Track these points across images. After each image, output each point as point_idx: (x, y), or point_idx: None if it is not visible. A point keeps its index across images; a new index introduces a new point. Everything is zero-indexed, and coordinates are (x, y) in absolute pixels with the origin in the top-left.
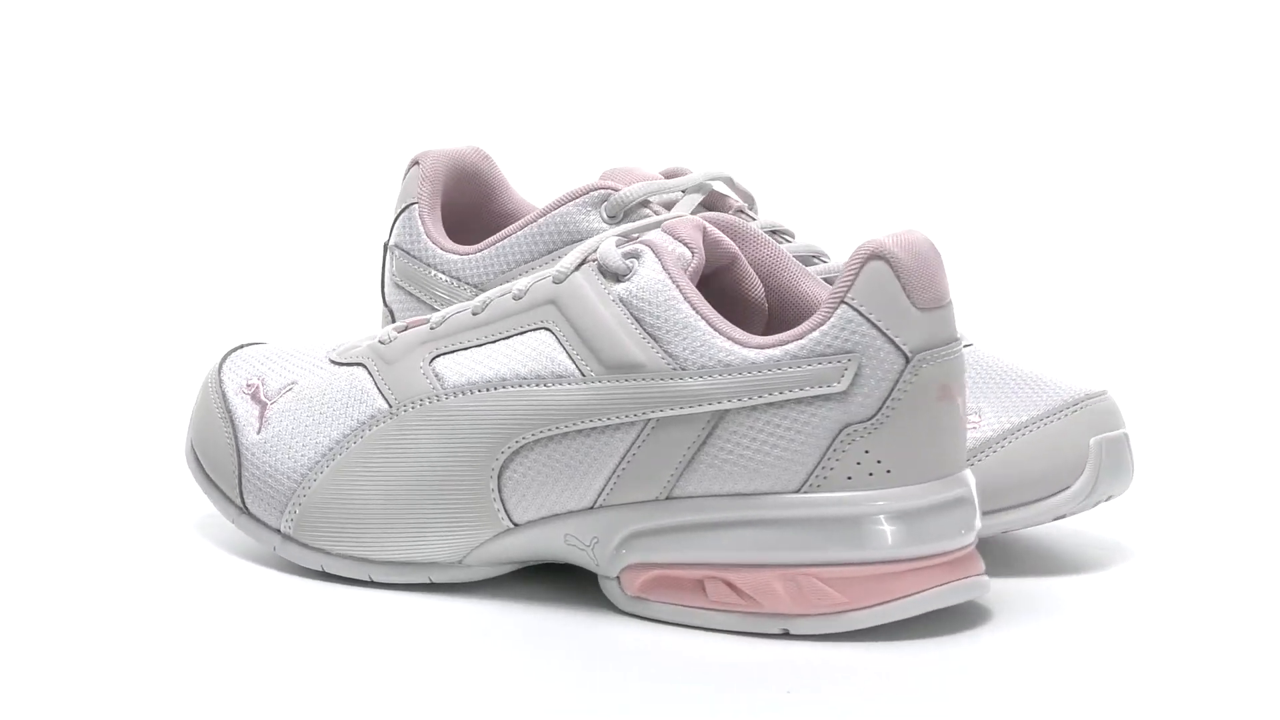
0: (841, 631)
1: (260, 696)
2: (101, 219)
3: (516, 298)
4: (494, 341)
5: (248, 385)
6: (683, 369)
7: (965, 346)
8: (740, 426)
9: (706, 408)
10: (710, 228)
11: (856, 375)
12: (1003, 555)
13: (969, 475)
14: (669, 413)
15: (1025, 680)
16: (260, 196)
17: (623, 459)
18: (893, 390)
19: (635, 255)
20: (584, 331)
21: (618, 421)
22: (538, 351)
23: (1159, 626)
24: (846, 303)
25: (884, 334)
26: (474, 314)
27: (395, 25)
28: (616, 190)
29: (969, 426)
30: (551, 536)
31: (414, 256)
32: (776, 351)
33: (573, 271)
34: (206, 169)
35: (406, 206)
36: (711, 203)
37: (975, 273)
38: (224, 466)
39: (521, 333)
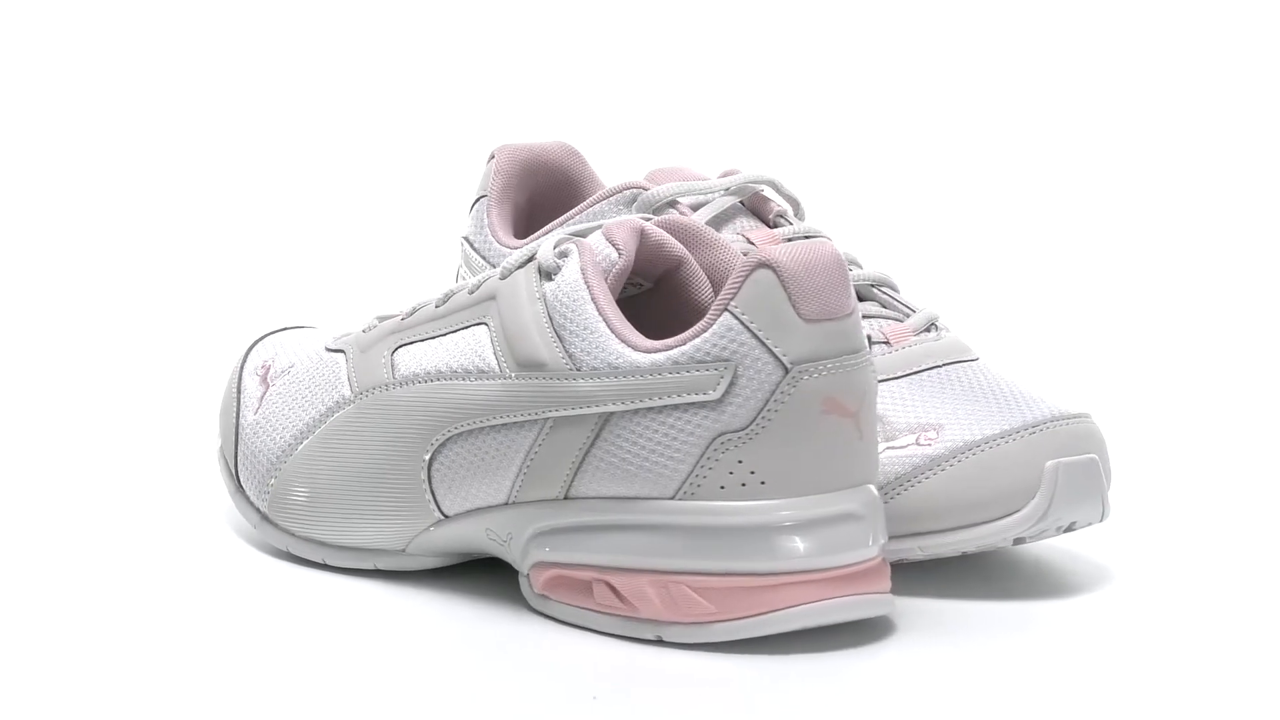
0: (713, 641)
1: (172, 673)
2: (189, 210)
3: (470, 292)
4: (445, 334)
5: (262, 366)
6: (578, 369)
7: (969, 361)
8: (623, 430)
9: (595, 409)
10: (652, 230)
11: (731, 384)
12: (949, 575)
13: (865, 492)
14: (564, 412)
15: (900, 702)
16: (357, 185)
17: (526, 457)
18: (768, 401)
19: (565, 254)
20: (508, 328)
21: (522, 419)
22: (471, 347)
23: (1071, 663)
24: (729, 310)
25: (763, 343)
26: (437, 306)
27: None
28: (646, 189)
29: (924, 444)
30: (476, 530)
31: (476, 249)
32: (660, 357)
33: (516, 269)
34: (310, 157)
35: (477, 200)
36: (754, 206)
37: (1025, 284)
38: (229, 444)
39: (466, 327)
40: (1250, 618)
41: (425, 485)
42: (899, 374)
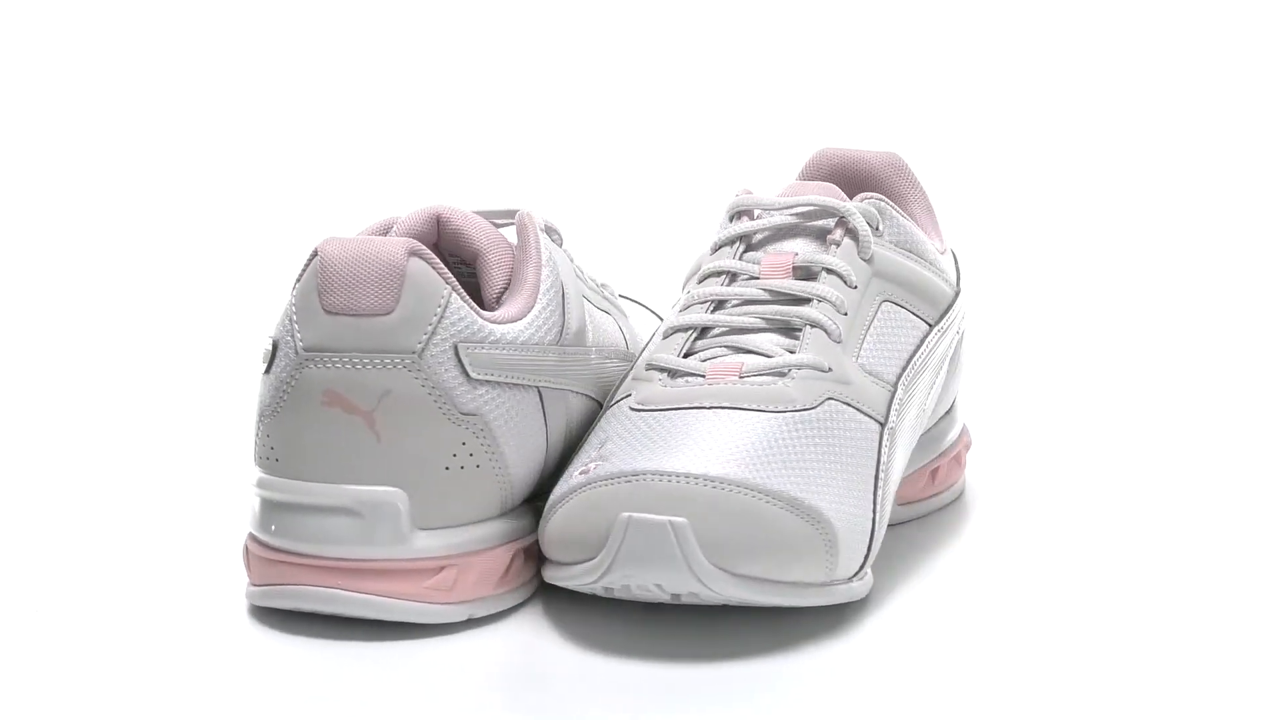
0: (255, 605)
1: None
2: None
3: None
4: None
5: None
6: None
7: (763, 411)
8: None
9: None
10: (453, 219)
11: (270, 363)
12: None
13: (376, 494)
14: None
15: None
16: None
17: None
18: (284, 383)
19: None
20: None
21: None
22: None
23: None
24: (293, 293)
25: (293, 328)
26: None
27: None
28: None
29: (584, 473)
30: None
31: None
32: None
33: None
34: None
35: None
36: (832, 230)
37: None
38: None
39: None
40: None
41: None
42: (662, 407)
